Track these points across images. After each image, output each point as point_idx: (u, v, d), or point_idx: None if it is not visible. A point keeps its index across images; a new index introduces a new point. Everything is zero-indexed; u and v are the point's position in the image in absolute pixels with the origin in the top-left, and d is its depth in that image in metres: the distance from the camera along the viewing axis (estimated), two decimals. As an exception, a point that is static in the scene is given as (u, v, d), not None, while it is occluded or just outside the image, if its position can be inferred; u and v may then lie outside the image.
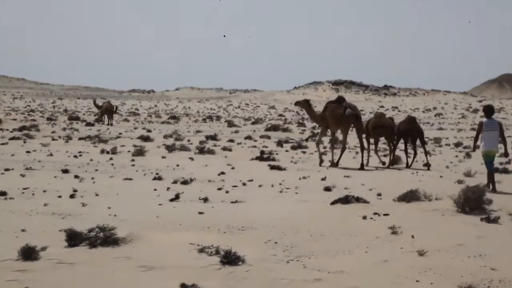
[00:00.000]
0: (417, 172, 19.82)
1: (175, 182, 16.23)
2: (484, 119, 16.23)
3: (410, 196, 13.32)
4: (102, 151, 23.78)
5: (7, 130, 38.22)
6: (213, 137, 34.38)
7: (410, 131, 22.03)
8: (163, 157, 23.08)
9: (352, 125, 22.35)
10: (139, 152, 23.27)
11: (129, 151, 24.41)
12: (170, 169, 19.58)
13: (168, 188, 15.10)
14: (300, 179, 17.77)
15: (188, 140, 32.52)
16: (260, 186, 16.18)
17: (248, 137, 35.99)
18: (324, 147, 27.97)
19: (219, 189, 15.33)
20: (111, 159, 21.90)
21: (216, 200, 13.56)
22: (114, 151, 23.76)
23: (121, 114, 70.76)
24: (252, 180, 17.11)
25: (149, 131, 42.12)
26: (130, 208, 12.18)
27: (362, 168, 21.02)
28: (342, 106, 22.30)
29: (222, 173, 18.54)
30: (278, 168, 19.95)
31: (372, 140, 23.16)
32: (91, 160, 21.51)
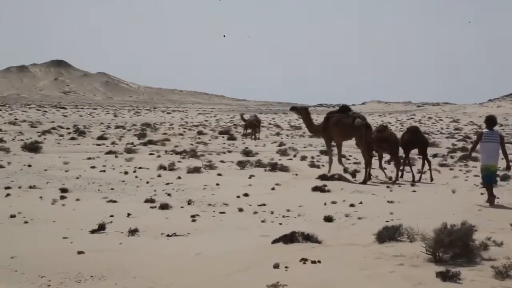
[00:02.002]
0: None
1: (158, 206, 13.75)
2: (484, 130, 15.24)
3: (387, 235, 9.93)
4: (160, 167, 21.84)
5: (132, 143, 37.73)
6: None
7: (413, 142, 20.37)
8: (219, 174, 20.70)
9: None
10: (195, 169, 21.08)
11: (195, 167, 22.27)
12: (198, 189, 17.15)
13: (128, 215, 12.68)
14: (325, 204, 14.67)
15: (295, 156, 29.87)
16: (255, 213, 13.33)
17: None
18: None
19: (193, 216, 12.66)
20: (159, 176, 19.90)
21: (153, 233, 10.94)
22: (171, 167, 21.74)
23: (282, 127, 69.26)
24: (264, 205, 14.33)
25: (281, 144, 39.96)
26: (18, 242, 9.96)
27: (364, 182, 18.78)
28: (350, 116, 20.03)
29: (246, 194, 15.87)
30: (321, 190, 16.86)
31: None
32: (135, 177, 19.63)
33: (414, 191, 17.53)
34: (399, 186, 18.55)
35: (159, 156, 27.99)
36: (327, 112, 22.37)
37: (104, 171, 21.18)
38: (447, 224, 9.17)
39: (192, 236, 10.75)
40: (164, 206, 13.50)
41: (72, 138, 42.91)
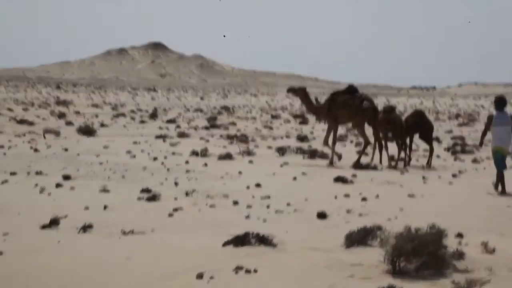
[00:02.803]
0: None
1: (146, 198, 12.71)
2: (494, 112, 14.44)
3: (356, 238, 8.57)
4: (192, 153, 20.87)
5: (194, 127, 37.09)
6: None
7: (417, 125, 19.56)
8: (250, 161, 19.57)
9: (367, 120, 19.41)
10: (227, 156, 20.00)
11: (231, 154, 21.22)
12: (215, 178, 16.08)
13: (105, 207, 11.67)
14: (335, 197, 13.33)
15: (351, 142, 28.43)
16: (248, 207, 12.13)
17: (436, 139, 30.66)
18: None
19: (176, 209, 11.58)
20: (186, 162, 18.95)
21: (110, 229, 9.82)
22: (204, 153, 20.73)
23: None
24: (268, 197, 13.14)
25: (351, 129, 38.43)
26: None
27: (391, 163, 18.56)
28: (357, 98, 19.19)
29: (258, 185, 14.67)
30: (343, 180, 15.46)
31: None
32: (161, 163, 18.73)
33: (450, 182, 15.89)
34: (439, 177, 16.90)
35: (207, 141, 27.10)
36: (330, 93, 21.25)
37: (134, 156, 20.42)
38: (411, 227, 7.71)
39: (151, 234, 9.68)
40: (152, 198, 12.47)
41: (142, 121, 42.76)
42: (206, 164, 18.51)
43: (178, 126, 38.08)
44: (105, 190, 13.58)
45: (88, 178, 15.57)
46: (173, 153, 21.27)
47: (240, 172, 16.99)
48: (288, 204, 12.39)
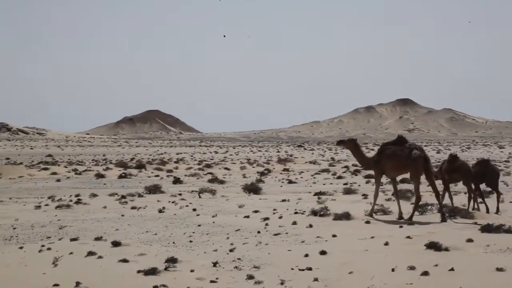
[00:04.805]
0: None
1: (144, 272, 10.56)
2: None
3: None
4: (312, 212, 18.24)
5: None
6: None
7: (484, 174, 18.96)
8: (367, 222, 16.61)
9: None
10: (344, 215, 17.16)
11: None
12: (297, 243, 13.60)
13: (77, 284, 9.72)
14: (393, 270, 10.25)
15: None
16: (257, 283, 9.56)
17: None
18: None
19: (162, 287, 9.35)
20: (294, 223, 16.53)
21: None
22: (323, 213, 18.01)
23: None
24: (310, 269, 10.47)
25: None
26: None
27: (443, 220, 16.77)
28: (406, 147, 17.97)
29: (323, 252, 12.03)
30: (437, 247, 12.13)
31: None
32: (266, 224, 16.47)
33: None
34: None
35: (366, 197, 24.26)
36: (381, 144, 19.34)
37: (248, 217, 18.37)
38: None
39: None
40: (151, 272, 10.35)
41: (339, 177, 40.70)
42: (311, 226, 16.06)
43: (368, 182, 35.55)
44: (125, 260, 11.68)
45: (147, 243, 13.84)
46: (296, 212, 18.92)
47: (334, 236, 14.33)
48: (315, 280, 9.66)
